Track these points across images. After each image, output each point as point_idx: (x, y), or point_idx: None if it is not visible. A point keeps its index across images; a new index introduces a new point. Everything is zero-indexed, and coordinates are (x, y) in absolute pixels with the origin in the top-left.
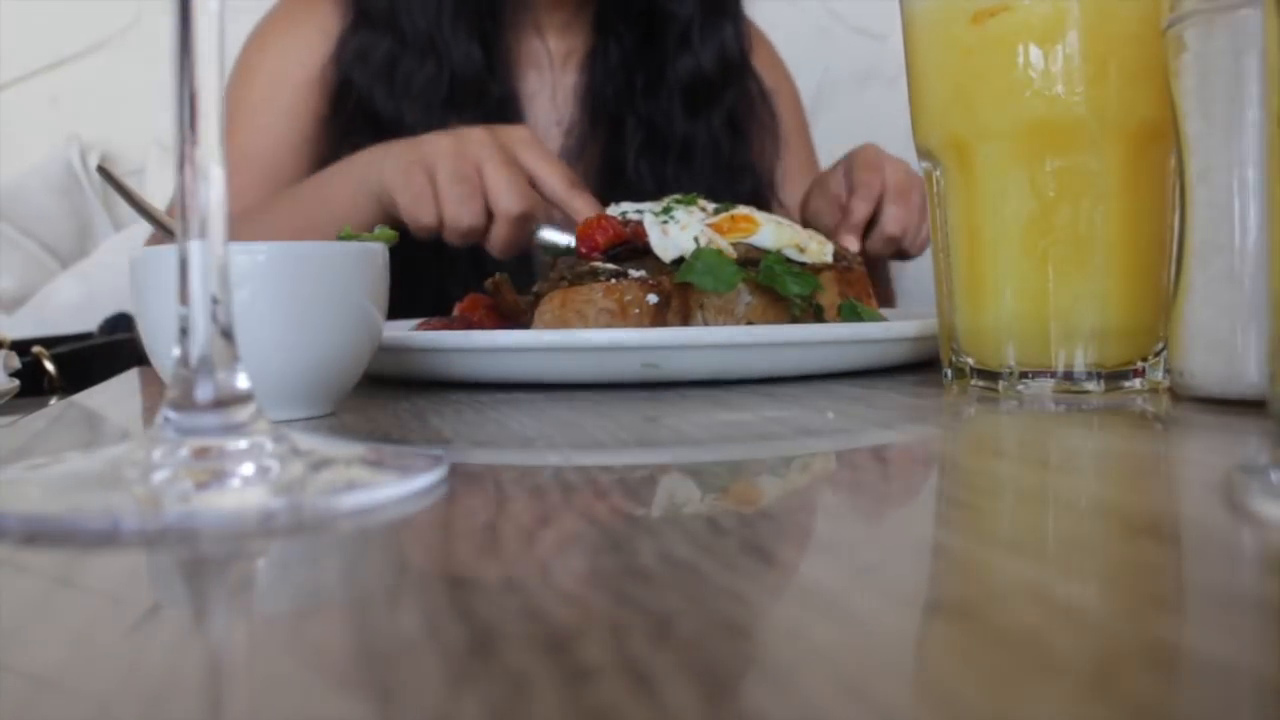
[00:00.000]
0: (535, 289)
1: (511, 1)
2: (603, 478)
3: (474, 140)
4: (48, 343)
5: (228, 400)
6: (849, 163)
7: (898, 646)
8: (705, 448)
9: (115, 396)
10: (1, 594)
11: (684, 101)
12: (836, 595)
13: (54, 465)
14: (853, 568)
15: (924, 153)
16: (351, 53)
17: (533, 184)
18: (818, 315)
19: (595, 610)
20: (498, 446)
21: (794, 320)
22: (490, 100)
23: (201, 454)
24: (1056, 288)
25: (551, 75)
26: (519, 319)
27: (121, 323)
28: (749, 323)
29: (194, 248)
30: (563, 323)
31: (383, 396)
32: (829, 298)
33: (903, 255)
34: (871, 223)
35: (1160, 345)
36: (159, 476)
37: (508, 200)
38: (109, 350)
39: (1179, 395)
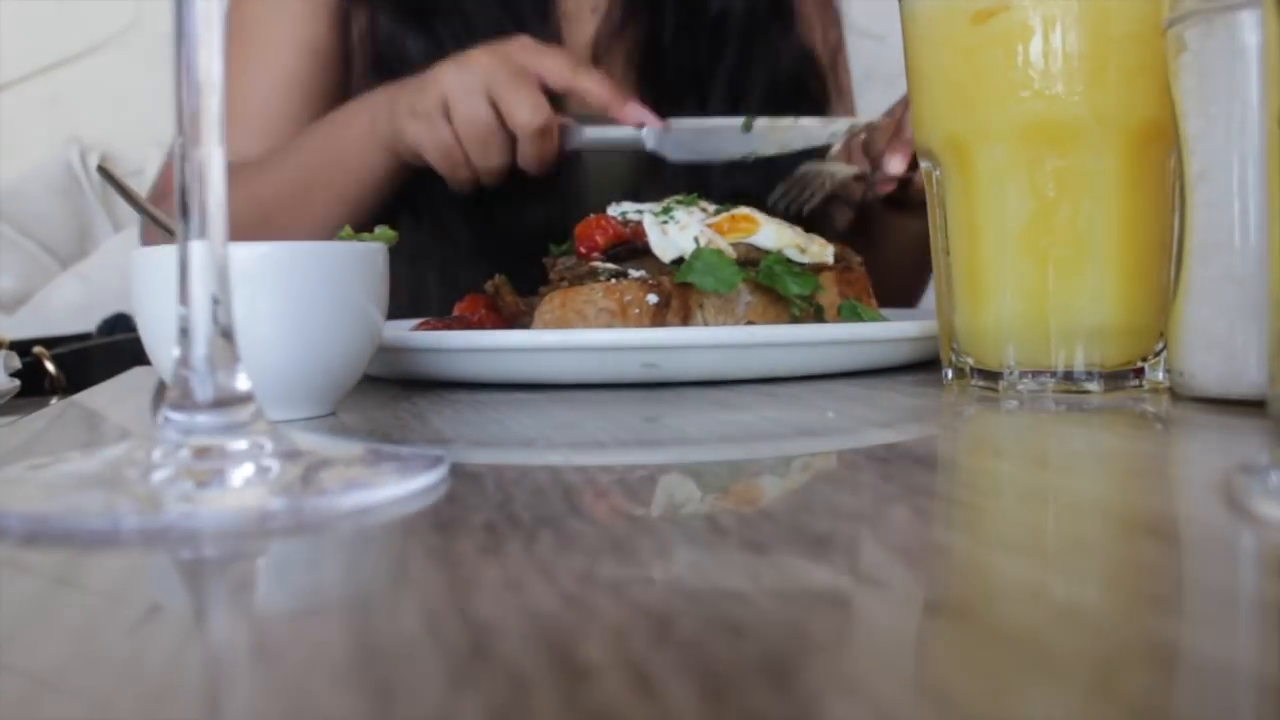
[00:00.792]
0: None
1: None
2: (603, 478)
3: (477, 67)
4: (48, 343)
5: (228, 400)
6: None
7: (898, 646)
8: (705, 448)
9: (115, 396)
10: (1, 594)
11: None
12: (836, 595)
13: (54, 465)
14: (853, 568)
15: (924, 153)
16: None
17: (543, 88)
18: (818, 315)
19: (595, 610)
20: (498, 446)
21: (794, 320)
22: None
23: (201, 454)
24: (1056, 287)
25: None
26: (519, 320)
27: (120, 323)
28: (749, 323)
29: (194, 248)
30: (563, 323)
31: (383, 396)
32: (829, 298)
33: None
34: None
35: (1160, 345)
36: (159, 476)
37: (524, 116)
38: (109, 350)
39: (1179, 395)
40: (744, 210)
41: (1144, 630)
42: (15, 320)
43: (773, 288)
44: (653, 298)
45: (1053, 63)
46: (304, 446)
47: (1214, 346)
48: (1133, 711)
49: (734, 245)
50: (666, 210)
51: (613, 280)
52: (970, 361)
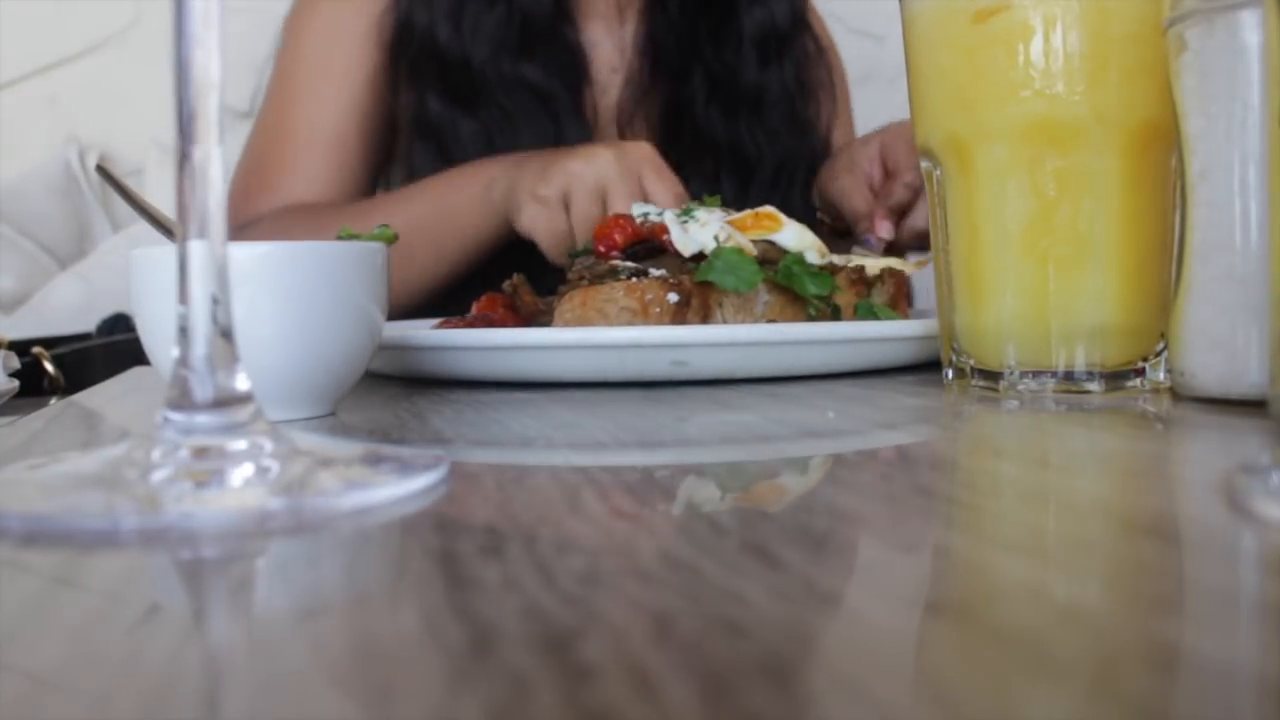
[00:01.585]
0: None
1: None
2: (602, 478)
3: (602, 165)
4: (47, 343)
5: (227, 400)
6: (884, 138)
7: (898, 646)
8: (706, 448)
9: (115, 396)
10: (1, 594)
11: (757, 51)
12: (836, 595)
13: (54, 465)
14: (853, 568)
15: (924, 153)
16: None
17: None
18: (835, 315)
19: (595, 610)
20: (498, 446)
21: (811, 320)
22: (561, 45)
23: (201, 454)
24: (1057, 287)
25: (615, 24)
26: (537, 319)
27: (120, 323)
28: (768, 321)
29: (194, 248)
30: (584, 322)
31: (383, 396)
32: (846, 298)
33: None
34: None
35: (1161, 345)
36: (159, 476)
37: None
38: (108, 350)
39: (1179, 395)
40: (767, 209)
41: (1144, 630)
42: (14, 320)
43: (790, 287)
44: (673, 296)
45: (1053, 62)
46: (304, 446)
47: (1215, 346)
48: (1133, 712)
49: (755, 242)
50: (687, 213)
51: (633, 279)
52: (971, 361)
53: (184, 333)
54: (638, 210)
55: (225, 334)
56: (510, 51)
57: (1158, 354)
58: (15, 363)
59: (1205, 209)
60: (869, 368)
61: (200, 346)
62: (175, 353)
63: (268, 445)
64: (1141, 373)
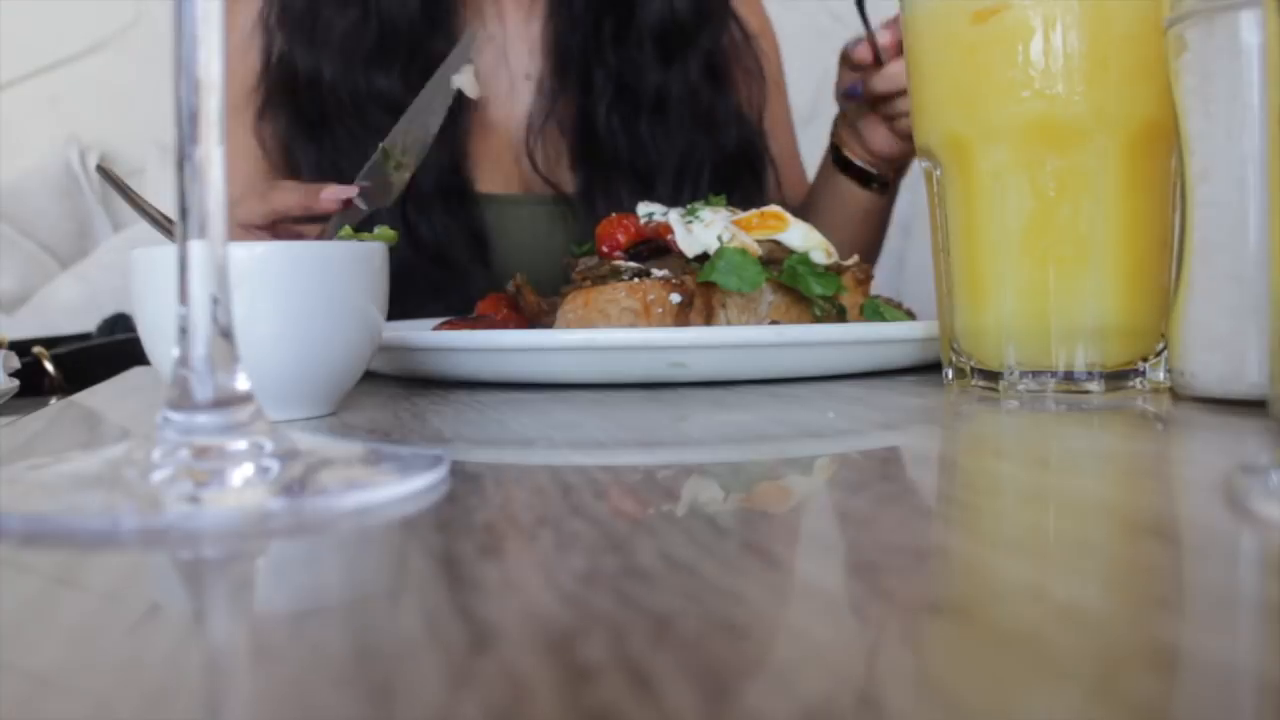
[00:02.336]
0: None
1: None
2: (602, 478)
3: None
4: (48, 343)
5: (227, 400)
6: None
7: (898, 646)
8: (706, 447)
9: (115, 396)
10: (1, 594)
11: (656, 49)
12: (836, 595)
13: (54, 465)
14: (853, 568)
15: (924, 152)
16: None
17: (293, 220)
18: (840, 315)
19: (595, 610)
20: (498, 446)
21: (816, 320)
22: (427, 55)
23: (201, 454)
24: (1057, 287)
25: (510, 23)
26: (540, 319)
27: (120, 323)
28: (773, 322)
29: (194, 248)
30: (586, 322)
31: (383, 396)
32: (852, 298)
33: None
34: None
35: (1161, 345)
36: (159, 476)
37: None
38: (109, 350)
39: (1179, 395)
40: (773, 208)
41: (1145, 630)
42: (15, 320)
43: (795, 288)
44: (676, 297)
45: (1053, 62)
46: (304, 446)
47: (1215, 346)
48: (1133, 712)
49: (759, 242)
50: (692, 210)
51: (636, 279)
52: (971, 362)
53: (184, 333)
54: (642, 210)
55: (225, 334)
56: (362, 64)
57: (1158, 354)
58: (15, 363)
59: (1205, 209)
60: (869, 369)
61: (200, 346)
62: (175, 353)
63: (268, 445)
64: (1141, 373)
